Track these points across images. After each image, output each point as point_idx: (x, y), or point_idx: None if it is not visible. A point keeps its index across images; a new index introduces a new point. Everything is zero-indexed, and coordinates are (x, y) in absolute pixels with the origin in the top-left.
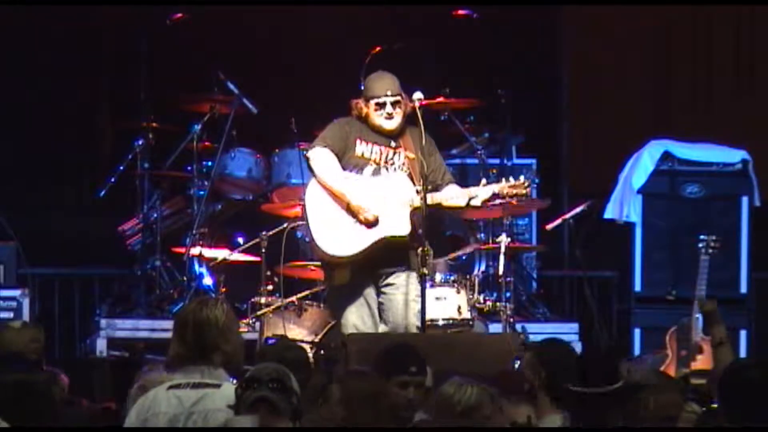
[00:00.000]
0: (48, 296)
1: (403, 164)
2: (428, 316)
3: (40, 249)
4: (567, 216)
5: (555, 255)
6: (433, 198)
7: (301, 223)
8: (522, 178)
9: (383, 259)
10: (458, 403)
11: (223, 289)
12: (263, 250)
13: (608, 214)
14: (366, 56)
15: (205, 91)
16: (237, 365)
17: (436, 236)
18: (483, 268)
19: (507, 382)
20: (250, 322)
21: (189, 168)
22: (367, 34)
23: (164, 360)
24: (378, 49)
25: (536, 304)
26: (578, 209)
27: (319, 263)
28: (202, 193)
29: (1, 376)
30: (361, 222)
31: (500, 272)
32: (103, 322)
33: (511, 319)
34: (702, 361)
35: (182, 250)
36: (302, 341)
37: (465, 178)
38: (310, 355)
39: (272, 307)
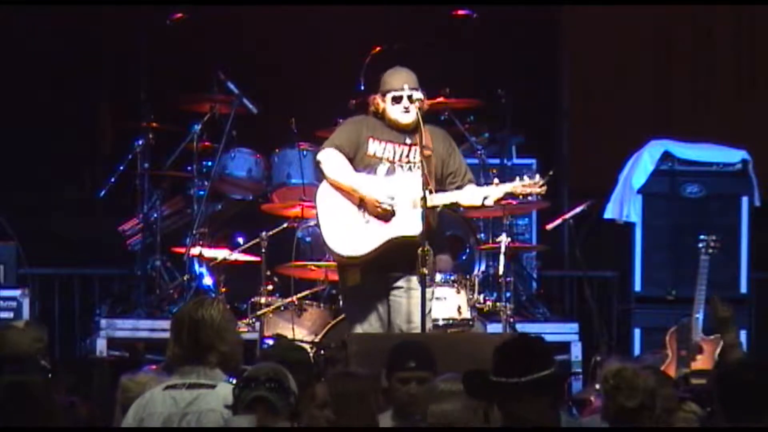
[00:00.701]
0: (48, 296)
1: (419, 161)
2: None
3: (40, 249)
4: (567, 216)
5: (555, 255)
6: (448, 197)
7: (310, 224)
8: (537, 177)
9: (395, 260)
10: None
11: (223, 289)
12: (263, 250)
13: (608, 214)
14: (366, 56)
15: (205, 91)
16: (235, 365)
17: (440, 236)
18: (483, 268)
19: None
20: (250, 322)
21: (189, 168)
22: (367, 34)
23: (164, 361)
24: (378, 49)
25: (536, 304)
26: (578, 209)
27: (320, 263)
28: (202, 193)
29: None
30: (375, 215)
31: (500, 272)
32: (103, 322)
33: (511, 319)
34: (702, 361)
35: (182, 250)
36: (302, 341)
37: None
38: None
39: (272, 307)
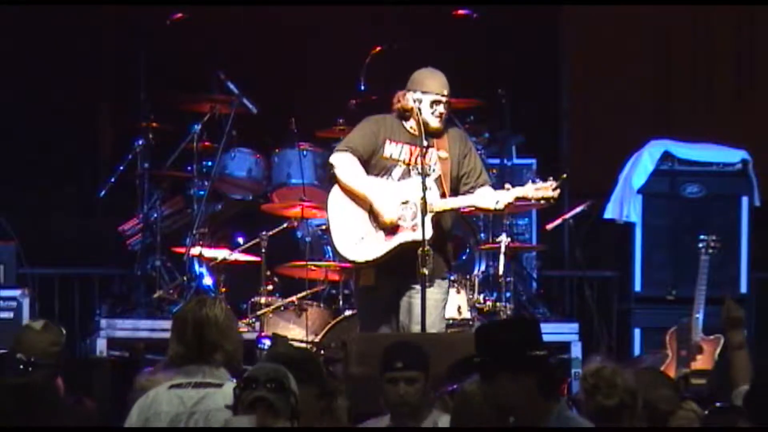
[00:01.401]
0: (48, 296)
1: (435, 164)
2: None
3: (40, 249)
4: (567, 216)
5: (555, 255)
6: (459, 201)
7: (311, 224)
8: (551, 180)
9: (408, 264)
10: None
11: (223, 289)
12: (263, 250)
13: (608, 214)
14: (366, 56)
15: (205, 91)
16: (237, 364)
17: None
18: (483, 268)
19: None
20: (250, 322)
21: (189, 168)
22: (367, 34)
23: (164, 360)
24: (378, 49)
25: (536, 304)
26: (578, 209)
27: (320, 263)
28: (202, 193)
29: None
30: (381, 225)
31: (500, 272)
32: (103, 322)
33: None
34: (702, 361)
35: (182, 250)
36: (302, 341)
37: None
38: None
39: (272, 307)
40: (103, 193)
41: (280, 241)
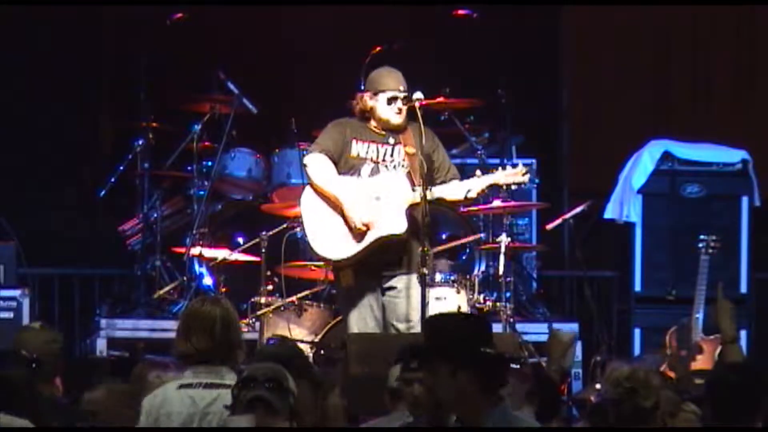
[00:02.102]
0: (48, 296)
1: (403, 160)
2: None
3: (40, 249)
4: (567, 216)
5: (555, 255)
6: (432, 193)
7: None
8: (520, 165)
9: (385, 260)
10: None
11: (223, 289)
12: (263, 250)
13: (608, 214)
14: (366, 56)
15: (205, 91)
16: (236, 364)
17: (434, 233)
18: (483, 268)
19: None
20: (250, 322)
21: (189, 168)
22: (367, 34)
23: (165, 359)
24: (378, 49)
25: (536, 304)
26: (578, 209)
27: (320, 263)
28: (202, 193)
29: None
30: (353, 231)
31: (500, 272)
32: (103, 322)
33: (511, 319)
34: (702, 361)
35: (182, 250)
36: (302, 341)
37: (465, 178)
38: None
39: (272, 307)
40: (103, 193)
41: (280, 241)
